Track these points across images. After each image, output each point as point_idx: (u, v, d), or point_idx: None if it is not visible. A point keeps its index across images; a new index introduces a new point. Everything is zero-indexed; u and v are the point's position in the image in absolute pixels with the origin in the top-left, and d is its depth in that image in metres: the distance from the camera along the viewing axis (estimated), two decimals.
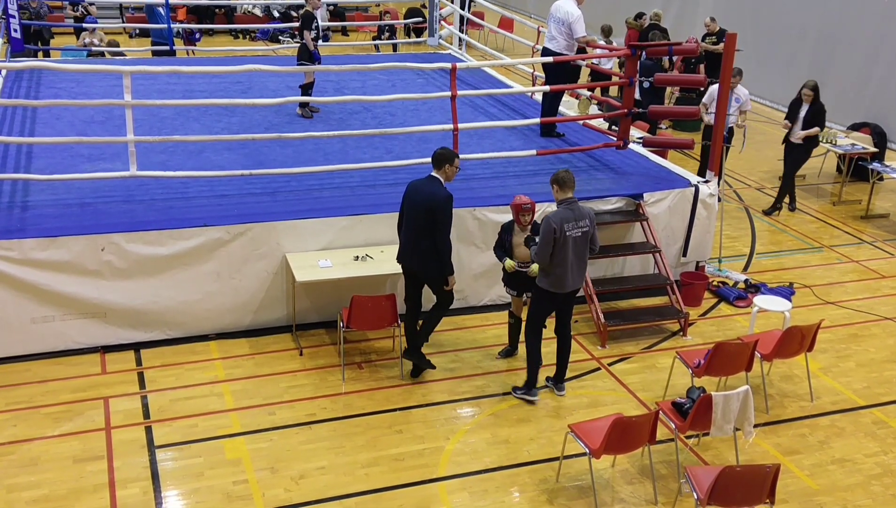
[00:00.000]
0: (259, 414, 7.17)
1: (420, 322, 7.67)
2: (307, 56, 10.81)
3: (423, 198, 7.15)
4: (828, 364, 8.31)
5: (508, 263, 7.60)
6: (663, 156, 10.77)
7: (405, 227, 7.36)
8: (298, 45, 11.02)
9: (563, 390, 7.61)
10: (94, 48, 15.72)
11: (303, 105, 11.11)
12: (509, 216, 8.73)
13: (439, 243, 7.16)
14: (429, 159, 9.20)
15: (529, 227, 7.60)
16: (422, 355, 7.70)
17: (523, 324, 7.69)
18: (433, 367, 7.77)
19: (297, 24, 20.18)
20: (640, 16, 16.04)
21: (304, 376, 7.74)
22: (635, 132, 11.11)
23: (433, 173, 7.29)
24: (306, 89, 11.00)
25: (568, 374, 7.89)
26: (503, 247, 7.71)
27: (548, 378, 7.63)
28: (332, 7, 21.91)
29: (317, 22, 11.01)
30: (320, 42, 11.25)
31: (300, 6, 21.41)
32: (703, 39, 15.57)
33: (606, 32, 15.38)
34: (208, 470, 6.49)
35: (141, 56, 15.88)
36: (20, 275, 7.54)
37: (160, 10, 15.92)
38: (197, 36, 17.70)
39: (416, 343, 7.63)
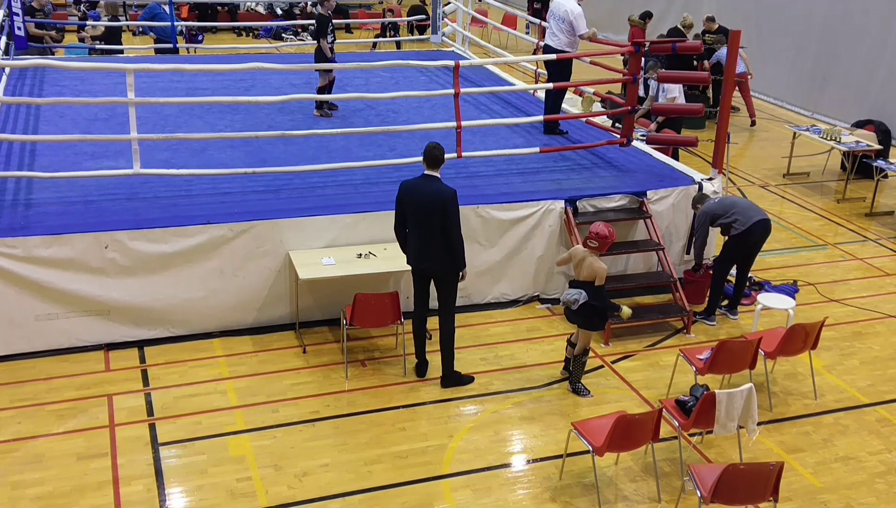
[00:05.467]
0: (263, 412, 7.18)
1: (427, 331, 7.72)
2: (324, 61, 10.79)
3: (430, 197, 7.09)
4: (832, 362, 8.30)
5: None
6: (667, 154, 10.77)
7: (415, 231, 7.27)
8: (315, 48, 11.02)
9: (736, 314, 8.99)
10: (97, 45, 15.75)
11: (319, 106, 11.12)
12: (513, 214, 8.76)
13: (453, 239, 7.13)
14: None
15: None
16: (457, 375, 7.66)
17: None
18: (472, 380, 7.70)
19: (300, 22, 20.35)
20: (646, 15, 16.00)
21: (307, 373, 7.75)
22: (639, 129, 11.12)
23: (428, 172, 7.19)
24: (323, 91, 11.00)
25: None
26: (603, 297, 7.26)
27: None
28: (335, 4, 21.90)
29: (332, 25, 10.98)
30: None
31: (298, 4, 21.56)
32: (703, 37, 15.54)
33: None
34: (212, 468, 6.50)
35: (144, 54, 15.91)
36: (24, 273, 7.56)
37: (164, 8, 15.93)
38: (200, 38, 17.69)
39: (446, 371, 7.60)
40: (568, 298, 7.25)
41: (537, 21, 15.84)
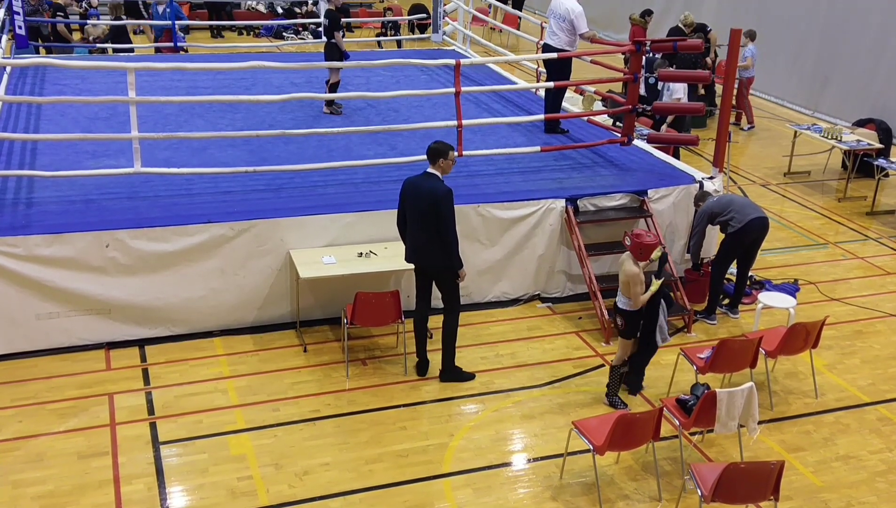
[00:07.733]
0: (263, 410, 7.18)
1: (428, 330, 7.72)
2: (338, 56, 10.80)
3: (424, 195, 7.12)
4: (832, 361, 8.30)
5: (655, 283, 7.14)
6: (668, 153, 10.76)
7: (411, 226, 7.32)
8: (325, 45, 11.03)
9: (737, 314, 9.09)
10: (98, 44, 15.78)
11: (329, 103, 11.13)
12: (514, 213, 8.76)
13: (446, 238, 7.15)
14: None
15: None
16: (457, 370, 7.68)
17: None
18: (473, 377, 7.72)
19: (301, 21, 20.34)
20: (646, 13, 15.98)
21: (308, 372, 7.75)
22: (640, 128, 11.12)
23: (429, 169, 7.23)
24: (334, 88, 10.99)
25: (572, 371, 7.91)
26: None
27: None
28: None
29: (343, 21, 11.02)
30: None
31: (301, 3, 21.56)
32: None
33: None
34: (212, 466, 6.50)
35: (144, 53, 15.91)
36: (25, 271, 7.56)
37: (157, 8, 15.94)
38: (181, 36, 17.65)
39: (446, 365, 7.63)
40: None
41: (513, 10, 15.91)
